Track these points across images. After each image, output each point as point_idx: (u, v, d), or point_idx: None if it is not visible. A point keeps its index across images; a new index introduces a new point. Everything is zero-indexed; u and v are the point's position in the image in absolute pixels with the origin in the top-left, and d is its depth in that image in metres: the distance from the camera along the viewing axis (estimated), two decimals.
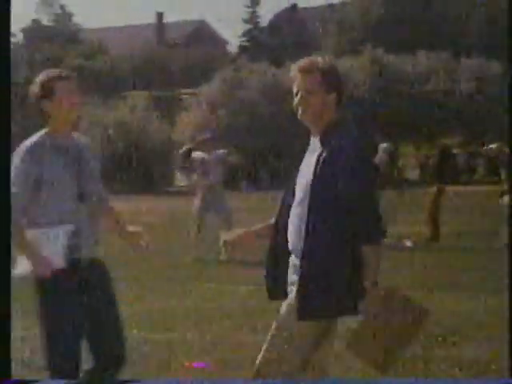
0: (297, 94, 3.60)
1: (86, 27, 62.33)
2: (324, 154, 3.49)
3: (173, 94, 47.89)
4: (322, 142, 3.54)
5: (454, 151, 12.12)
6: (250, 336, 6.12)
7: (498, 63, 35.91)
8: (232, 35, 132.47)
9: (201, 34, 63.19)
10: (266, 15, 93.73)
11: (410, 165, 40.27)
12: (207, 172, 11.43)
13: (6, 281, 3.46)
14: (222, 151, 11.70)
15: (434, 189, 12.55)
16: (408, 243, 12.16)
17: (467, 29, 45.50)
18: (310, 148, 3.64)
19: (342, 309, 3.42)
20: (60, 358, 3.72)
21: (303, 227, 3.46)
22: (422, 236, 12.50)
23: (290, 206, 3.59)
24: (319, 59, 3.63)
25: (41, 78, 3.84)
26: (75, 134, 3.97)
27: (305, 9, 67.99)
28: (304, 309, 3.39)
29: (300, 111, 3.61)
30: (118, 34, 61.29)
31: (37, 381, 3.75)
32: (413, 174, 38.26)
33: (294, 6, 66.98)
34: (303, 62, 3.64)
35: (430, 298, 7.16)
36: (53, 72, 3.85)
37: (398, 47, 42.85)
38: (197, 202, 11.52)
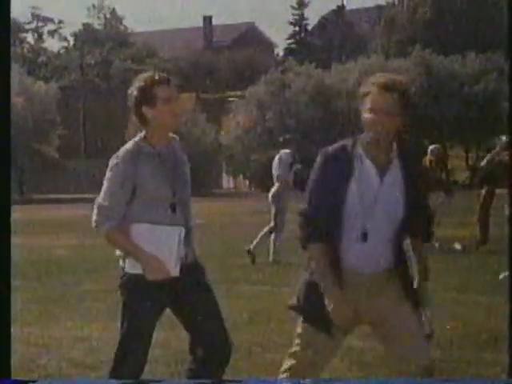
0: (371, 111, 3.45)
1: (136, 31, 63.02)
2: (406, 171, 3.53)
3: (220, 97, 48.12)
4: (404, 161, 3.53)
5: (505, 153, 11.79)
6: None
7: None
8: (280, 38, 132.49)
9: (249, 37, 63.39)
10: (313, 17, 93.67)
11: (460, 167, 39.87)
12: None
13: (6, 281, 3.43)
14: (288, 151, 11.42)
15: (483, 191, 12.42)
16: (458, 246, 12.07)
17: None
18: (366, 164, 3.53)
19: None
20: (128, 359, 3.73)
21: (394, 245, 3.55)
22: (471, 239, 12.38)
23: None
24: (400, 79, 3.51)
25: (141, 82, 3.72)
26: (173, 142, 3.86)
27: (352, 10, 67.73)
28: None
29: (372, 129, 3.46)
30: (167, 38, 61.80)
31: (37, 381, 3.75)
32: (462, 176, 37.85)
33: (341, 8, 66.69)
34: (384, 78, 3.49)
35: (479, 302, 7.08)
36: (153, 76, 3.73)
37: (447, 48, 42.46)
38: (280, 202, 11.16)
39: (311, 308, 3.54)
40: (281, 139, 12.09)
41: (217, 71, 55.73)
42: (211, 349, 3.78)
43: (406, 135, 3.57)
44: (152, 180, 3.71)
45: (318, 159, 3.59)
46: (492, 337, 6.11)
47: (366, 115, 3.47)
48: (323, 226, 3.50)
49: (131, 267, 3.74)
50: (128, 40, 59.60)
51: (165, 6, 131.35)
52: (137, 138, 3.80)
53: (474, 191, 13.63)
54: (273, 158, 11.63)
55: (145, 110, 3.71)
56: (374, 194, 3.49)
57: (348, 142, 3.56)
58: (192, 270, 3.82)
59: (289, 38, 64.71)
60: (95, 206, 3.77)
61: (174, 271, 3.69)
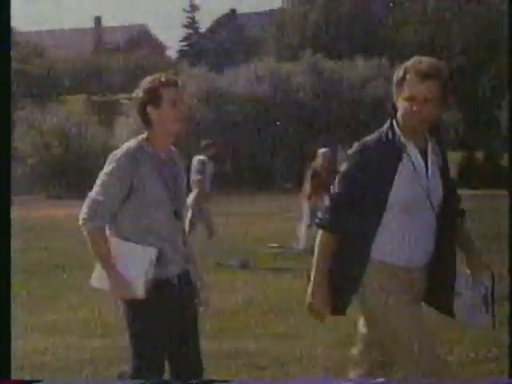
0: (410, 100, 3.26)
1: (22, 30, 61.39)
2: (441, 159, 3.42)
3: (111, 99, 47.49)
4: (439, 145, 3.42)
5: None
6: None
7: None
8: (173, 40, 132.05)
9: (141, 39, 62.81)
10: (205, 20, 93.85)
11: None
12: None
13: (6, 281, 3.38)
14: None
15: None
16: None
17: (403, 35, 46.23)
18: (413, 151, 3.39)
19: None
20: (144, 372, 3.63)
21: (430, 239, 3.41)
22: None
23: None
24: (439, 64, 3.28)
25: (148, 82, 3.70)
26: (173, 148, 3.81)
27: (244, 14, 68.17)
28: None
29: (412, 119, 3.30)
30: (56, 38, 60.50)
31: (37, 381, 3.71)
32: None
33: (233, 12, 67.08)
34: (423, 64, 3.25)
35: None
36: (160, 77, 3.70)
37: (337, 53, 43.28)
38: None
39: None
40: (202, 144, 12.26)
41: (108, 73, 54.95)
42: (181, 368, 3.71)
43: (438, 120, 3.37)
44: (151, 181, 3.62)
45: (355, 149, 3.49)
46: None
47: (405, 104, 3.29)
48: (350, 215, 3.35)
49: (95, 280, 3.64)
50: (14, 39, 58.02)
51: (54, 5, 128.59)
52: (139, 138, 3.72)
53: None
54: None
55: (149, 110, 3.67)
56: (424, 180, 3.33)
57: (383, 131, 3.44)
58: (190, 284, 3.74)
59: (182, 41, 64.57)
60: (87, 200, 3.63)
61: (141, 293, 3.54)
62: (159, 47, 65.44)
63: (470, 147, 38.83)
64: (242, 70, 41.51)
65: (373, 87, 39.01)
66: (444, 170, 3.38)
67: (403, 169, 3.33)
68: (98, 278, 3.62)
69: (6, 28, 3.43)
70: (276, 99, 35.51)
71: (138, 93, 3.72)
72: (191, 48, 63.12)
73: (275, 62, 41.87)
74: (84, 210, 3.62)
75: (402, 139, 3.38)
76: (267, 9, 61.10)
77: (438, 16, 48.93)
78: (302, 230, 12.65)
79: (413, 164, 3.30)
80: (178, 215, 3.67)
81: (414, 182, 3.29)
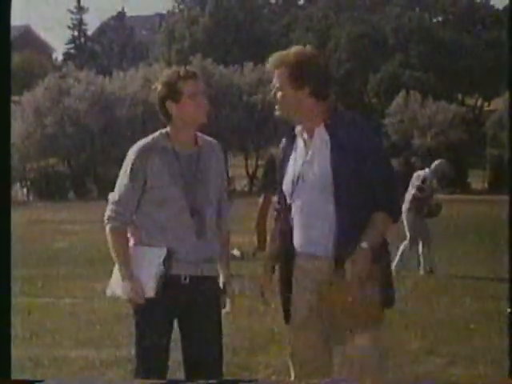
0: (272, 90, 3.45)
1: None
2: (339, 144, 3.29)
3: None
4: (331, 133, 3.31)
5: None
6: None
7: None
8: (58, 42, 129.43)
9: (24, 40, 61.30)
10: (93, 22, 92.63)
11: (240, 175, 40.99)
12: None
13: (6, 281, 3.30)
14: None
15: (261, 199, 12.77)
16: (236, 253, 12.35)
17: (292, 41, 46.99)
18: (298, 144, 3.42)
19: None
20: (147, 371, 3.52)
21: (330, 224, 3.27)
22: (250, 246, 12.73)
23: (289, 209, 3.38)
24: (291, 52, 3.40)
25: (166, 76, 3.57)
26: (201, 141, 3.65)
27: (132, 17, 67.63)
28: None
29: (276, 107, 3.46)
30: None
31: (37, 381, 3.60)
32: (242, 184, 38.93)
33: (121, 14, 66.43)
34: (274, 56, 3.45)
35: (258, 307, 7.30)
36: (179, 71, 3.57)
37: (226, 58, 43.58)
38: None
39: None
40: None
41: None
42: (199, 374, 3.52)
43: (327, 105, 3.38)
44: (163, 178, 3.48)
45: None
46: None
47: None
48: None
49: (108, 289, 3.56)
50: None
51: None
52: (157, 133, 3.58)
53: (253, 198, 14.09)
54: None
55: (168, 105, 3.53)
56: (300, 165, 3.38)
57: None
58: (205, 285, 3.57)
59: (68, 43, 63.43)
60: (109, 200, 3.57)
61: (151, 293, 3.46)
62: (44, 49, 64.07)
63: None
64: (131, 74, 41.18)
65: (263, 92, 39.45)
66: (350, 158, 3.27)
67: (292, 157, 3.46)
68: (111, 286, 3.56)
69: (5, 28, 3.32)
70: None
71: (157, 87, 3.58)
72: (78, 50, 62.11)
73: (165, 67, 41.74)
74: (106, 211, 3.57)
75: (296, 129, 3.47)
76: (155, 12, 60.78)
77: (326, 23, 50.00)
78: None
79: (295, 151, 3.44)
80: (194, 213, 3.52)
81: (292, 168, 3.41)
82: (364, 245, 3.22)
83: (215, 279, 3.63)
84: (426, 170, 10.74)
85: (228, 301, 3.67)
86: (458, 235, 11.77)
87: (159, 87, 3.58)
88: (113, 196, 3.57)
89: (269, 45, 48.62)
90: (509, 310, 3.25)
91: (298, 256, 3.38)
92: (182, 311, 3.56)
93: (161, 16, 59.63)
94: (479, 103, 50.87)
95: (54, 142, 37.74)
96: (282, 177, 3.45)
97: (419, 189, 10.41)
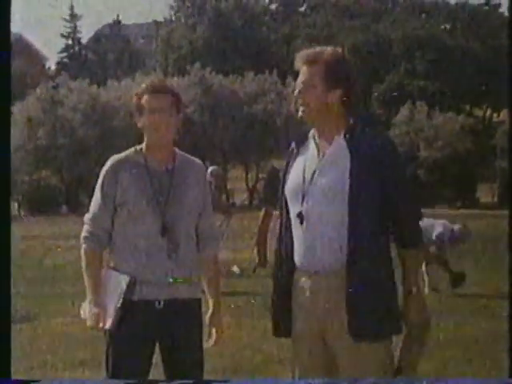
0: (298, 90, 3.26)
1: None
2: (359, 156, 3.15)
3: None
4: (352, 144, 3.18)
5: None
6: None
7: None
8: (51, 51, 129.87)
9: (16, 49, 61.51)
10: (87, 31, 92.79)
11: (239, 188, 41.00)
12: None
13: (5, 281, 3.31)
14: None
15: (261, 213, 12.74)
16: (236, 269, 12.32)
17: (293, 50, 47.24)
18: (310, 149, 3.28)
19: (397, 326, 3.23)
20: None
21: (341, 241, 3.13)
22: (250, 262, 12.70)
23: (289, 221, 3.26)
24: (327, 49, 3.26)
25: (139, 88, 3.56)
26: (180, 158, 3.55)
27: (128, 25, 67.88)
28: (359, 330, 3.14)
29: (299, 108, 3.24)
30: None
31: (37, 381, 3.58)
32: (242, 197, 38.91)
33: (116, 22, 66.64)
34: (305, 52, 3.27)
35: (254, 325, 7.29)
36: (147, 83, 3.55)
37: (227, 67, 43.67)
38: None
39: None
40: None
41: None
42: None
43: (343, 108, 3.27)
44: (132, 194, 3.44)
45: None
46: None
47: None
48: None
49: (82, 309, 3.48)
50: None
51: None
52: (132, 148, 3.56)
53: (253, 213, 14.06)
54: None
55: (136, 118, 3.53)
56: (312, 170, 3.22)
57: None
58: (184, 309, 3.48)
59: (61, 52, 63.60)
60: (84, 221, 3.54)
61: (110, 324, 3.37)
62: (37, 57, 64.24)
63: None
64: (127, 84, 41.26)
65: (264, 102, 39.49)
66: (356, 164, 3.16)
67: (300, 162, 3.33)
68: (83, 308, 3.48)
69: (5, 28, 3.33)
70: None
71: (133, 99, 3.60)
72: (72, 59, 62.28)
73: (162, 76, 41.86)
74: (82, 231, 3.54)
75: (310, 132, 3.34)
76: (151, 19, 61.03)
77: (329, 31, 50.13)
78: None
79: (309, 156, 3.30)
80: (165, 231, 3.44)
81: (300, 172, 3.29)
82: (414, 291, 3.17)
83: (196, 302, 3.52)
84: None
85: (214, 332, 3.53)
86: (464, 252, 11.73)
87: (133, 99, 3.58)
88: (87, 215, 3.54)
89: (270, 53, 48.86)
90: None
91: (299, 272, 3.25)
92: (160, 337, 3.47)
93: (158, 24, 59.79)
94: (488, 114, 50.99)
95: (46, 153, 37.80)
96: (286, 182, 3.31)
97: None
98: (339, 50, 3.30)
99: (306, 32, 50.69)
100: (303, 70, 3.25)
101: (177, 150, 3.58)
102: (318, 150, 3.25)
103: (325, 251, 3.17)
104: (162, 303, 3.44)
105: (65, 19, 62.80)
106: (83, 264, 3.49)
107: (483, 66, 46.06)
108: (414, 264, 3.23)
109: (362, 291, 3.12)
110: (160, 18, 59.19)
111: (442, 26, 53.22)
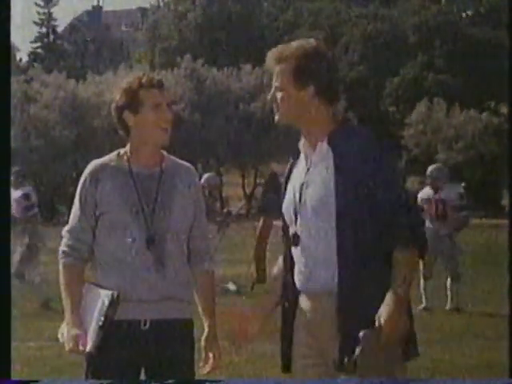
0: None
1: None
2: (344, 164, 3.19)
3: None
4: (335, 150, 3.21)
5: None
6: None
7: None
8: (23, 40, 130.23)
9: None
10: (63, 18, 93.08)
11: (236, 195, 41.07)
12: None
13: (5, 281, 3.38)
14: None
15: (259, 223, 12.75)
16: (232, 286, 12.32)
17: (294, 39, 47.36)
18: (300, 162, 3.34)
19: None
20: None
21: (333, 258, 3.18)
22: (247, 278, 12.70)
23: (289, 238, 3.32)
24: (293, 45, 3.28)
25: (126, 83, 3.53)
26: (168, 161, 3.56)
27: (110, 12, 68.04)
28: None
29: (275, 113, 3.32)
30: None
31: (37, 381, 3.64)
32: (238, 205, 38.95)
33: (97, 9, 66.81)
34: (273, 50, 3.32)
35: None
36: (141, 78, 3.53)
37: (221, 59, 43.74)
38: None
39: None
40: None
41: None
42: None
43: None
44: (112, 200, 3.44)
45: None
46: None
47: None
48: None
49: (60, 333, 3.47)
50: None
51: None
52: (114, 152, 3.56)
53: (251, 223, 14.04)
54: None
55: (126, 116, 3.49)
56: (301, 184, 3.28)
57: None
58: (172, 330, 3.48)
59: (34, 41, 63.70)
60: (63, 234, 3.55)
61: (90, 345, 3.37)
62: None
63: None
64: (109, 78, 41.37)
65: (262, 99, 39.58)
66: (352, 179, 3.20)
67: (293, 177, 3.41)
68: (62, 330, 3.45)
69: (5, 27, 3.38)
70: None
71: (115, 95, 3.55)
72: (46, 50, 62.37)
73: (148, 69, 41.99)
74: (61, 245, 3.54)
75: (299, 142, 3.37)
76: (136, 6, 61.22)
77: (336, 19, 50.28)
78: None
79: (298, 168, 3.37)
80: (151, 243, 3.44)
81: (291, 189, 3.36)
82: (395, 292, 3.13)
83: (187, 322, 3.53)
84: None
85: (211, 357, 3.53)
86: (489, 266, 11.78)
87: (117, 95, 3.54)
88: (66, 228, 3.54)
89: (269, 44, 48.95)
90: None
91: (302, 294, 3.32)
92: (146, 362, 3.47)
93: (143, 11, 59.96)
94: None
95: (17, 156, 37.85)
96: (285, 197, 3.38)
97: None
98: (312, 41, 3.30)
99: (310, 20, 50.81)
100: (275, 70, 3.29)
101: (165, 152, 3.58)
102: (306, 158, 3.31)
103: (319, 271, 3.23)
104: (148, 323, 3.45)
105: (38, 4, 62.92)
106: (61, 281, 3.49)
107: (510, 58, 46.12)
108: (404, 265, 3.20)
109: (352, 311, 3.15)
110: (146, 4, 59.37)
111: (464, 13, 53.36)
